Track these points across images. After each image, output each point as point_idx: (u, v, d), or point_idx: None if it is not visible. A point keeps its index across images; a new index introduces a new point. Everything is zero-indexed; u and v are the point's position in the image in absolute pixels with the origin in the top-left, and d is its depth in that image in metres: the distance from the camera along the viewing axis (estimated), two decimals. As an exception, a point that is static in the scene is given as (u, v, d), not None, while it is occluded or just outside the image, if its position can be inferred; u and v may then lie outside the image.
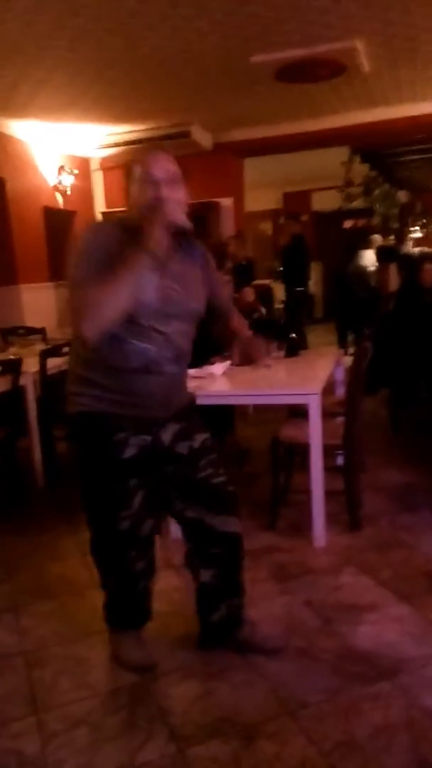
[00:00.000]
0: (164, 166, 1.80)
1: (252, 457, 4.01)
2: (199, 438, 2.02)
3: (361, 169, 8.79)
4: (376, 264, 8.50)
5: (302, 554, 2.82)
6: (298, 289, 6.89)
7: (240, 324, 2.20)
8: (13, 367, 3.56)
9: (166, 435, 1.97)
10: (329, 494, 2.94)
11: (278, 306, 7.79)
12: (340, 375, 3.77)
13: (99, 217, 7.71)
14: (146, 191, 1.77)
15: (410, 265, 5.37)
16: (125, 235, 1.77)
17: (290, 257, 6.77)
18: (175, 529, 3.04)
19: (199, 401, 2.20)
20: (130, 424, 1.89)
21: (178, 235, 1.84)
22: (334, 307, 8.45)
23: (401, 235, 10.08)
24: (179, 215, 1.76)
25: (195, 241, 1.95)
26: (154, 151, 1.86)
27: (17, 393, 3.65)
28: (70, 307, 1.76)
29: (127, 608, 2.16)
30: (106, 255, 1.73)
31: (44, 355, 3.93)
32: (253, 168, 7.88)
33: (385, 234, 9.25)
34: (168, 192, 1.77)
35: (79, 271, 1.76)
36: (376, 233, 9.29)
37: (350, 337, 7.65)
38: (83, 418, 1.94)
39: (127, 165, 1.85)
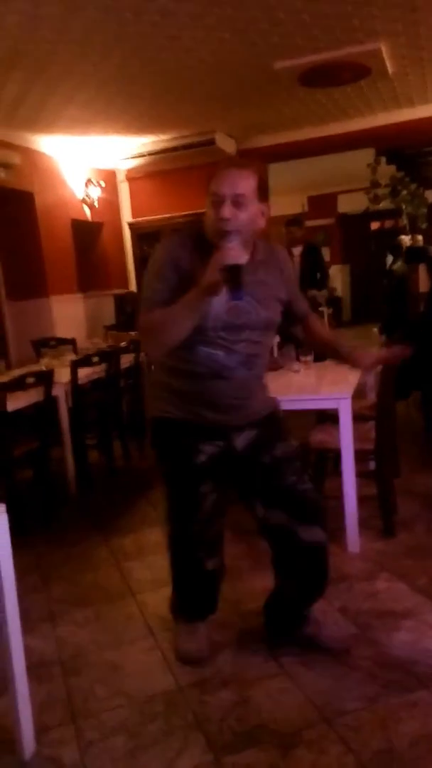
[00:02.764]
0: (232, 182, 1.74)
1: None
2: (281, 446, 2.01)
3: (387, 170, 8.70)
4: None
5: (336, 560, 2.79)
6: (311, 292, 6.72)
7: (321, 328, 2.23)
8: (46, 378, 3.61)
9: (240, 441, 1.98)
10: (362, 500, 2.91)
11: None
12: (371, 378, 3.73)
13: (125, 227, 7.81)
14: (211, 209, 1.78)
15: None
16: (198, 248, 1.80)
17: (303, 265, 6.58)
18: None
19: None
20: (202, 430, 1.93)
21: (257, 241, 1.87)
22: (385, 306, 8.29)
23: (430, 236, 9.93)
24: (235, 255, 1.64)
25: (275, 245, 2.00)
26: (226, 166, 1.82)
27: (50, 403, 3.71)
28: (138, 325, 1.88)
29: (191, 601, 2.22)
30: (177, 273, 1.79)
31: (75, 366, 3.98)
32: (277, 172, 7.86)
33: (413, 234, 9.12)
34: (232, 212, 1.73)
35: (147, 291, 1.84)
36: (404, 234, 9.17)
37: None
38: (158, 424, 2.02)
39: (262, 176, 1.84)
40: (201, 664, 2.13)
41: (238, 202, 1.74)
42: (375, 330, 8.85)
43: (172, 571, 2.20)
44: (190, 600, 2.23)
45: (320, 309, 8.91)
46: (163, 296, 1.78)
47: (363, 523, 2.93)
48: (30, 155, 6.23)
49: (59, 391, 3.84)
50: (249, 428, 1.98)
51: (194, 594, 2.21)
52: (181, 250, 1.83)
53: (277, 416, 2.08)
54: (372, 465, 3.17)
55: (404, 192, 8.74)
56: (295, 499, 2.00)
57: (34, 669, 2.21)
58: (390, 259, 8.88)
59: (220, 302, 1.77)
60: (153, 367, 2.13)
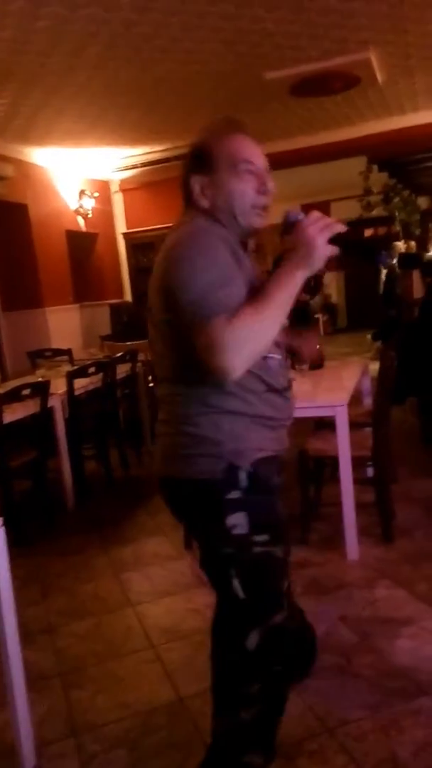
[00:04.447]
0: (260, 153, 1.44)
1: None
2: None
3: (379, 178, 8.77)
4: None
5: (335, 568, 2.79)
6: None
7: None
8: (42, 390, 3.61)
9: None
10: (360, 506, 2.91)
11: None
12: (367, 385, 3.74)
13: (120, 238, 7.82)
14: (242, 180, 1.39)
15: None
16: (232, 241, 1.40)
17: None
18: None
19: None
20: (280, 463, 1.52)
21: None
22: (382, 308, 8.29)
23: (423, 242, 9.99)
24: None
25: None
26: (239, 128, 1.44)
27: (46, 414, 3.70)
28: (201, 341, 1.25)
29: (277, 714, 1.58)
30: (236, 260, 1.36)
31: (71, 376, 3.98)
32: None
33: (407, 240, 9.18)
34: (272, 186, 1.43)
35: (203, 292, 1.27)
36: (397, 240, 9.23)
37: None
38: (254, 470, 1.40)
39: (199, 146, 1.44)
40: None
41: (269, 177, 1.45)
42: (368, 337, 8.89)
43: (265, 704, 1.52)
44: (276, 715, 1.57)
45: (315, 316, 8.96)
46: (240, 295, 1.29)
47: (362, 530, 2.92)
48: (23, 167, 6.25)
49: (55, 402, 3.84)
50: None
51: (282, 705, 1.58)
52: (223, 234, 1.38)
53: None
54: (369, 471, 3.17)
55: (397, 199, 8.80)
56: None
57: (33, 682, 2.20)
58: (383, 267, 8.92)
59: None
60: (184, 398, 1.41)
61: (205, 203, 1.42)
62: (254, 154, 1.42)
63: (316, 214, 1.34)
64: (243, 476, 1.38)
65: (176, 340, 1.35)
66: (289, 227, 1.35)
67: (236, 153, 1.39)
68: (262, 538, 1.41)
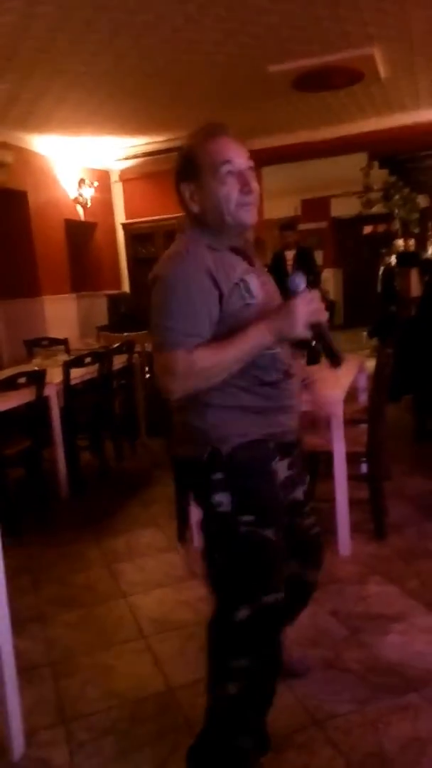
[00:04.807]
0: (243, 152, 1.49)
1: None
2: (306, 479, 1.78)
3: (380, 175, 8.75)
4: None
5: (327, 563, 2.76)
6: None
7: None
8: (38, 378, 3.60)
9: (298, 460, 1.70)
10: (354, 503, 2.92)
11: None
12: (363, 382, 3.75)
13: (119, 228, 7.79)
14: (225, 183, 1.45)
15: (432, 270, 5.33)
16: (215, 254, 1.49)
17: (296, 268, 6.64)
18: (198, 538, 3.05)
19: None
20: (278, 447, 1.58)
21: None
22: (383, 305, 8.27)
23: (422, 240, 9.98)
24: (321, 309, 1.48)
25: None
26: (218, 132, 1.49)
27: (41, 403, 3.69)
28: (158, 361, 1.44)
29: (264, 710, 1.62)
30: (207, 295, 1.43)
31: (68, 366, 3.97)
32: (271, 176, 7.90)
33: (405, 239, 9.17)
34: (255, 185, 1.49)
35: (171, 323, 1.41)
36: (397, 238, 9.22)
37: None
38: (238, 451, 1.49)
39: (184, 155, 1.52)
40: None
41: (253, 170, 1.51)
42: (364, 334, 8.89)
43: (252, 680, 1.54)
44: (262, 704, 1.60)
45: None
46: (202, 327, 1.42)
47: (354, 527, 2.93)
48: (23, 154, 6.21)
49: (51, 392, 3.83)
50: (297, 444, 1.69)
51: (269, 690, 1.61)
52: (205, 258, 1.47)
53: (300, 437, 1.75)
54: (363, 468, 3.18)
55: (397, 196, 8.79)
56: (309, 545, 1.79)
57: (24, 671, 2.20)
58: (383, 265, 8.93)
59: (260, 287, 1.52)
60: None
61: (195, 208, 1.51)
62: (235, 154, 1.47)
63: (313, 295, 1.46)
64: (225, 460, 1.49)
65: None
66: (290, 291, 1.46)
67: (216, 156, 1.46)
68: (247, 518, 1.49)
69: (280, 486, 1.60)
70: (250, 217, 1.51)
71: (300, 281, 1.48)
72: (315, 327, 1.46)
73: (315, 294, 1.47)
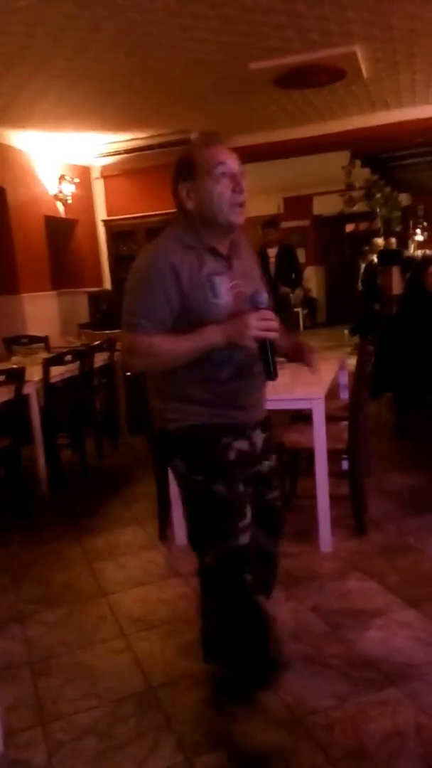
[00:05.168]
0: (233, 157, 1.67)
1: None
2: (273, 456, 1.97)
3: (362, 173, 8.80)
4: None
5: (308, 559, 2.81)
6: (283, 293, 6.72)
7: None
8: (17, 376, 3.56)
9: (258, 441, 1.87)
10: (335, 499, 2.93)
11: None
12: (344, 379, 3.77)
13: (100, 225, 7.74)
14: (218, 183, 1.62)
15: (414, 268, 5.37)
16: (189, 247, 1.67)
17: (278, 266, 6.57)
18: (180, 536, 3.04)
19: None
20: (232, 428, 1.77)
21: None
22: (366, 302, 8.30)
23: (404, 239, 10.07)
24: (276, 328, 1.63)
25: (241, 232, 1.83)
26: (214, 140, 1.68)
27: (21, 402, 3.65)
28: (123, 340, 1.72)
29: (252, 654, 1.80)
30: (176, 281, 1.63)
31: (47, 364, 3.93)
32: (253, 173, 7.87)
33: (387, 237, 9.24)
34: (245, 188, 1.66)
35: (141, 305, 1.65)
36: (378, 237, 9.28)
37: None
38: (187, 431, 1.75)
39: (182, 158, 1.69)
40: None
41: (242, 179, 1.67)
42: (345, 331, 8.94)
43: (221, 618, 1.78)
44: (251, 653, 1.79)
45: (295, 310, 8.98)
46: (162, 314, 1.63)
47: (335, 523, 2.95)
48: (2, 150, 6.14)
49: (30, 390, 3.79)
50: (261, 428, 1.89)
51: (254, 644, 1.79)
52: (175, 254, 1.65)
53: (270, 421, 1.98)
54: (345, 465, 3.19)
55: (378, 195, 8.85)
56: (272, 515, 1.94)
57: (2, 671, 2.19)
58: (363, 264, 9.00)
59: (229, 291, 1.68)
60: (153, 376, 1.83)
61: (191, 205, 1.68)
62: (228, 158, 1.66)
63: (269, 314, 1.62)
64: (177, 435, 1.78)
65: None
66: (253, 304, 1.64)
67: (212, 158, 1.64)
68: (197, 477, 1.75)
69: (237, 457, 1.78)
70: (239, 217, 1.68)
71: (262, 299, 1.64)
72: (262, 342, 1.62)
73: (271, 314, 1.63)
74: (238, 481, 1.77)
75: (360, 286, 8.93)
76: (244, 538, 1.73)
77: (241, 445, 1.80)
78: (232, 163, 1.66)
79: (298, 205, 11.93)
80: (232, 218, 1.66)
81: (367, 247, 9.28)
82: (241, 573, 1.74)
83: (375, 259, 8.71)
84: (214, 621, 1.83)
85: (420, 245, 10.57)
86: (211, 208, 1.64)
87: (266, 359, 1.65)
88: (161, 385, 1.78)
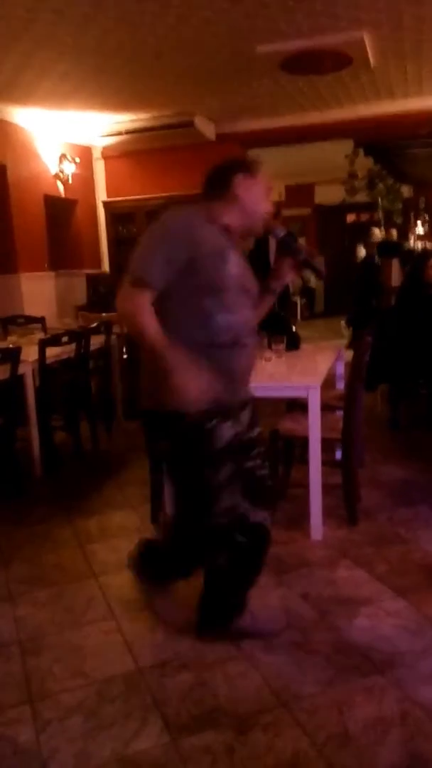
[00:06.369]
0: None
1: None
2: (257, 429, 2.10)
3: (365, 163, 8.73)
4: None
5: (299, 547, 2.83)
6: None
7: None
8: (12, 356, 3.54)
9: (245, 419, 2.03)
10: (327, 488, 2.94)
11: None
12: (341, 369, 3.77)
13: (100, 206, 7.67)
14: (265, 198, 1.98)
15: (414, 261, 5.35)
16: (207, 224, 1.88)
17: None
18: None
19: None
20: (220, 409, 1.89)
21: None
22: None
23: (405, 231, 10.01)
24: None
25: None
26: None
27: (16, 382, 3.64)
28: (124, 296, 1.80)
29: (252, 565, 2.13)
30: (187, 247, 1.79)
31: (43, 345, 3.92)
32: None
33: (388, 229, 9.19)
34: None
35: (145, 259, 1.80)
36: (378, 228, 9.22)
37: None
38: (177, 413, 1.84)
39: (247, 157, 2.02)
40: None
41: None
42: (342, 323, 8.91)
43: (226, 561, 2.03)
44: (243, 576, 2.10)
45: (293, 299, 8.96)
46: (162, 276, 1.78)
47: (327, 511, 2.96)
48: (3, 127, 6.06)
49: (26, 370, 3.77)
50: (248, 408, 2.05)
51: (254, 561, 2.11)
52: (197, 220, 1.86)
53: (254, 401, 2.14)
54: (338, 454, 3.20)
55: (381, 185, 8.78)
56: (252, 482, 2.05)
57: (-9, 649, 2.19)
58: (363, 252, 8.94)
59: (237, 264, 1.90)
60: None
61: (240, 192, 1.92)
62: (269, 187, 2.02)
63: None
64: (173, 415, 1.87)
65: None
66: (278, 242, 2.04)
67: (265, 180, 2.00)
68: (210, 423, 1.89)
69: (228, 438, 1.93)
70: (258, 232, 2.04)
71: (280, 230, 2.05)
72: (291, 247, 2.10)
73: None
74: (220, 468, 1.92)
75: (357, 278, 8.87)
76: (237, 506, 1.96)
77: (232, 426, 1.94)
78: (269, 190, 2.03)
79: (299, 193, 11.85)
80: (257, 226, 1.99)
81: (368, 240, 9.23)
82: (245, 527, 1.99)
83: (374, 254, 8.65)
84: (231, 557, 2.03)
85: (420, 238, 10.53)
86: (254, 209, 1.95)
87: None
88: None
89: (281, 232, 2.03)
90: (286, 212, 9.91)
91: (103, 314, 5.36)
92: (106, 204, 7.62)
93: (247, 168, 1.97)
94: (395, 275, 8.40)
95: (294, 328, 3.72)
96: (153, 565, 2.27)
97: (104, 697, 1.93)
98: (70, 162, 6.98)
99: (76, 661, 2.12)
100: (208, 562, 2.08)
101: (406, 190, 10.21)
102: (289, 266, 2.07)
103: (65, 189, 7.06)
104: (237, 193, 1.93)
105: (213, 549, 2.04)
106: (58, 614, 2.41)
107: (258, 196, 1.96)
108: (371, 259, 8.47)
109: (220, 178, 1.95)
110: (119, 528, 3.16)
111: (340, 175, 8.94)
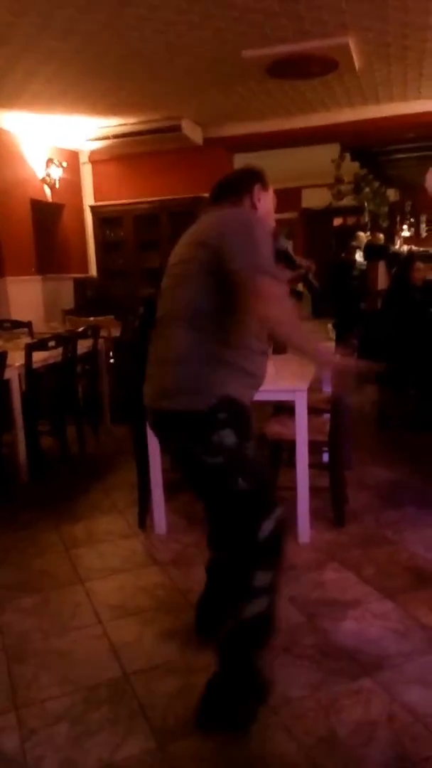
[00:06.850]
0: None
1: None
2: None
3: (351, 167, 8.78)
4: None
5: (286, 550, 2.82)
6: None
7: None
8: (-2, 360, 3.52)
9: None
10: (315, 491, 2.94)
11: None
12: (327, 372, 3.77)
13: (87, 210, 7.65)
14: (272, 205, 2.10)
15: (400, 264, 5.39)
16: None
17: None
18: (159, 525, 3.04)
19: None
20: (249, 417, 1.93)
21: None
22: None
23: (391, 234, 10.08)
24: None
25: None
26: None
27: (2, 387, 3.61)
28: (262, 287, 1.67)
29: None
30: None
31: (30, 349, 3.89)
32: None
33: (374, 232, 9.25)
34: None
35: (270, 264, 1.78)
36: (366, 231, 9.28)
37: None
38: (233, 403, 1.80)
39: (262, 171, 2.11)
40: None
41: None
42: (329, 326, 8.93)
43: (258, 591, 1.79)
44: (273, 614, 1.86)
45: (297, 290, 8.95)
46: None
47: (314, 514, 2.96)
48: (-11, 130, 6.04)
49: (12, 375, 3.75)
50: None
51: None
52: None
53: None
54: (325, 457, 3.21)
55: (367, 189, 8.84)
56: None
57: (-24, 656, 2.17)
58: (360, 257, 8.95)
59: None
60: (199, 342, 1.80)
61: (258, 204, 2.03)
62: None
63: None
64: (228, 404, 1.81)
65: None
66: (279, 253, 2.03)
67: (271, 191, 2.11)
68: (249, 445, 1.87)
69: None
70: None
71: (284, 242, 2.13)
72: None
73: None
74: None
75: (334, 282, 8.88)
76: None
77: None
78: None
79: (286, 197, 11.86)
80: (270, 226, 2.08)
81: (354, 242, 9.28)
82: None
83: (347, 254, 8.68)
84: (269, 597, 1.82)
85: (406, 241, 10.61)
86: (266, 221, 2.05)
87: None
88: (212, 349, 1.79)
89: (285, 244, 2.11)
90: (274, 216, 9.93)
91: (91, 318, 5.34)
92: (93, 208, 7.60)
93: (263, 179, 2.07)
94: (381, 278, 8.44)
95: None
96: (251, 629, 1.83)
97: (91, 704, 1.92)
98: (57, 166, 6.96)
99: (63, 667, 2.10)
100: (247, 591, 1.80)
101: (392, 194, 10.29)
102: (286, 278, 2.11)
103: (52, 193, 7.03)
104: (254, 202, 2.02)
105: (262, 562, 1.80)
106: (44, 620, 2.39)
107: (270, 208, 2.07)
108: (346, 260, 8.49)
109: (240, 186, 2.02)
110: (106, 533, 3.14)
111: (326, 179, 8.98)
